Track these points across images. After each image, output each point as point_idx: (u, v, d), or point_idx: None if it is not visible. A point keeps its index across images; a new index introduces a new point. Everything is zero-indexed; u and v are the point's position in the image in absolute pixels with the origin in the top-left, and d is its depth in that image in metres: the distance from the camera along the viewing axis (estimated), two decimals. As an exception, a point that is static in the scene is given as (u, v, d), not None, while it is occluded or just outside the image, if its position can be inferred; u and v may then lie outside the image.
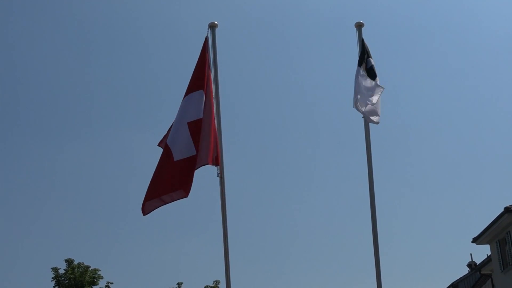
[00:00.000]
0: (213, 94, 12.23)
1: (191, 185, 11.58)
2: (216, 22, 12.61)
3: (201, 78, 12.16)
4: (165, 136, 12.05)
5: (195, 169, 11.61)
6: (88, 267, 40.11)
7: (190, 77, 12.26)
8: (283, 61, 72.20)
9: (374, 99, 12.34)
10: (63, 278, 39.58)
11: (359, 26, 13.05)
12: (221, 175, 11.96)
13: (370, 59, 12.77)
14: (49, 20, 69.96)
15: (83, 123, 70.37)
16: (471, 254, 41.50)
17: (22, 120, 68.81)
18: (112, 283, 40.65)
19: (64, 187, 66.35)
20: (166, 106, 60.08)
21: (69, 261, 39.89)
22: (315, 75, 70.94)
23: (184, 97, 12.10)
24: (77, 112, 70.40)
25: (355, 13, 64.47)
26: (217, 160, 11.90)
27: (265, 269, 60.62)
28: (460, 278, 41.69)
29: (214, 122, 12.08)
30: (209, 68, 12.30)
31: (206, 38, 12.45)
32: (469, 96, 73.20)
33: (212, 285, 41.05)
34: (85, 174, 67.59)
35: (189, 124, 11.86)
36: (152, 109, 70.95)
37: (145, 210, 11.75)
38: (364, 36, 12.96)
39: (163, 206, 11.80)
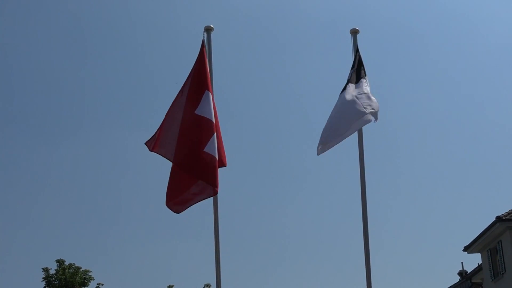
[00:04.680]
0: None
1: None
2: (212, 26, 12.58)
3: (206, 80, 12.06)
4: (156, 137, 11.85)
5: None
6: (79, 268, 40.12)
7: (191, 74, 12.10)
8: (279, 66, 72.29)
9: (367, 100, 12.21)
10: (53, 279, 39.57)
11: (354, 32, 13.05)
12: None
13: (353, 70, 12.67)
14: (45, 21, 69.92)
15: (76, 122, 70.26)
16: (462, 263, 41.58)
17: (15, 119, 68.64)
18: (103, 285, 40.72)
19: (56, 186, 66.29)
20: (160, 106, 59.86)
21: (60, 262, 39.88)
22: (311, 79, 70.99)
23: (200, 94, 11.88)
24: (70, 111, 70.32)
25: (352, 19, 64.64)
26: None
27: (256, 274, 60.66)
28: (451, 286, 41.74)
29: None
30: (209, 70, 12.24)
31: (203, 41, 12.44)
32: (462, 103, 73.33)
33: (203, 288, 41.18)
34: (77, 173, 67.50)
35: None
36: (146, 109, 70.84)
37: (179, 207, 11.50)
38: (359, 42, 12.97)
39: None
